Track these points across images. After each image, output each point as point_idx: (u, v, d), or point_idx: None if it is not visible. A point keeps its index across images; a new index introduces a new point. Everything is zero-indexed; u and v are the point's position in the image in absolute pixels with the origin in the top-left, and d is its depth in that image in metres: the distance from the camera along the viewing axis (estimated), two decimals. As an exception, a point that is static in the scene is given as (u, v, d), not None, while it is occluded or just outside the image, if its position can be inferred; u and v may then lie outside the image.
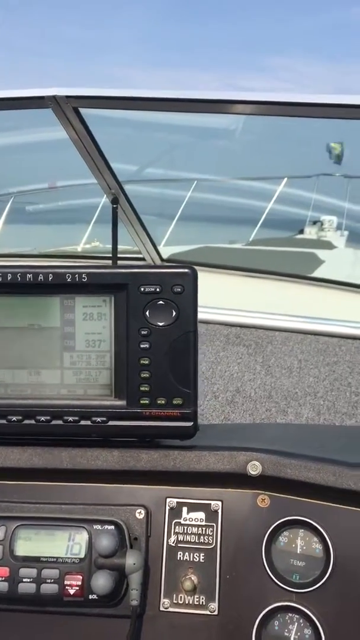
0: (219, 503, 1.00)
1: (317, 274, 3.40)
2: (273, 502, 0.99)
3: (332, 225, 5.22)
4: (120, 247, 2.50)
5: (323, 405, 1.94)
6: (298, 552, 0.98)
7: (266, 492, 1.00)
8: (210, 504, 1.00)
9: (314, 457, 0.99)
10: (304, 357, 2.29)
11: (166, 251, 3.97)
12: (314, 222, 5.19)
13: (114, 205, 2.32)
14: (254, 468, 0.98)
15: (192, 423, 0.95)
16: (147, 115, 2.96)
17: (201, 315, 2.85)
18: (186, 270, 0.94)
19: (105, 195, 2.40)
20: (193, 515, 1.00)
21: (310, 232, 5.10)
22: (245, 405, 1.95)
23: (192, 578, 0.96)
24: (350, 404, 1.95)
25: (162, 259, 2.94)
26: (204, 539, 0.99)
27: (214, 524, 0.99)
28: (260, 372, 2.18)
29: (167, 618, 0.96)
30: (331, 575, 0.94)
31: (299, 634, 0.94)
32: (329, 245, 4.61)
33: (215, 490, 1.01)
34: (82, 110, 2.07)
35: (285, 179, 5.20)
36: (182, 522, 0.99)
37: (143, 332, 0.93)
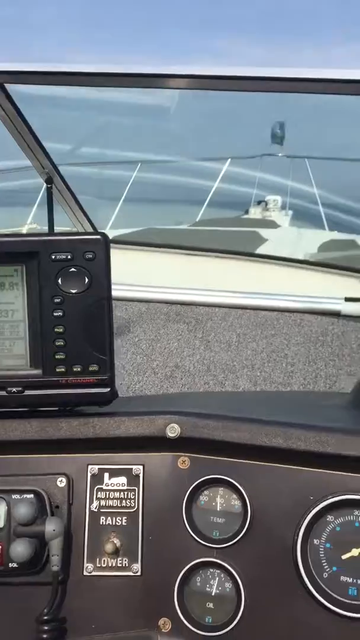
0: (140, 467, 1.01)
1: (259, 252, 3.44)
2: (193, 463, 1.01)
3: (276, 205, 5.28)
4: (60, 229, 2.47)
5: (260, 377, 1.98)
6: (218, 509, 1.00)
7: (186, 454, 1.02)
8: (131, 468, 1.01)
9: (230, 417, 1.01)
10: (242, 332, 2.33)
11: (112, 234, 3.94)
12: (259, 202, 5.24)
13: (48, 185, 2.29)
14: (173, 430, 1.00)
15: (109, 389, 0.96)
16: (82, 92, 2.91)
17: (142, 294, 2.85)
18: (97, 237, 0.94)
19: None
20: (115, 480, 1.01)
21: (255, 212, 5.15)
22: (183, 380, 1.97)
23: (114, 541, 0.98)
24: (285, 374, 2.00)
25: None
26: (126, 503, 1.00)
27: (136, 488, 1.00)
28: (200, 347, 2.20)
29: (91, 582, 0.97)
30: (249, 530, 0.97)
31: (220, 588, 0.97)
32: (273, 225, 4.67)
33: (136, 455, 1.02)
34: (9, 87, 2.02)
35: (229, 160, 5.23)
36: (104, 487, 1.00)
37: (56, 300, 0.93)
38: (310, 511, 0.94)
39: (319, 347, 2.20)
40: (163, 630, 0.96)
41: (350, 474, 0.96)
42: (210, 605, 0.97)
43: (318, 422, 1.04)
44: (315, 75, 2.09)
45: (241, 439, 0.98)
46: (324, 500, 0.95)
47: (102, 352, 0.95)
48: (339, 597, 0.92)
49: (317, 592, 0.91)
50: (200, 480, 1.00)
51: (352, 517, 0.95)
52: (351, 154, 5.31)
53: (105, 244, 0.94)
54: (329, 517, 0.96)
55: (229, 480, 0.99)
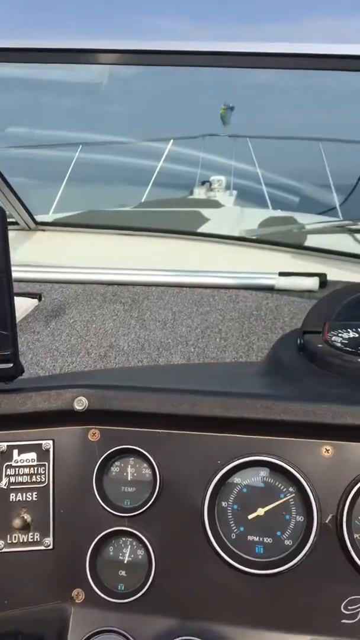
0: (50, 442, 1.01)
1: (201, 231, 3.44)
2: (103, 435, 1.02)
3: (221, 185, 5.29)
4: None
5: (193, 352, 2.00)
6: (129, 479, 1.01)
7: (96, 426, 1.02)
8: (41, 444, 1.01)
9: (137, 387, 1.02)
10: (178, 309, 2.34)
11: (54, 218, 3.87)
12: (203, 183, 5.24)
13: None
14: (80, 403, 1.00)
15: (12, 364, 0.95)
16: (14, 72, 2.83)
17: (78, 276, 2.81)
18: None
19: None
20: (24, 456, 1.00)
21: (199, 193, 5.15)
22: (117, 359, 1.96)
23: (25, 517, 0.97)
24: (219, 349, 2.02)
25: (35, 222, 2.87)
26: (37, 478, 1.00)
27: (46, 463, 1.00)
28: (135, 326, 2.20)
29: (2, 558, 0.97)
30: (158, 497, 0.98)
31: (132, 555, 0.98)
32: (216, 204, 4.68)
33: (45, 430, 1.01)
34: None
35: (172, 140, 5.21)
36: (14, 464, 0.99)
37: None
38: (217, 474, 0.96)
39: (252, 321, 2.23)
40: (77, 601, 0.97)
41: (255, 436, 0.99)
42: (123, 573, 0.98)
43: (228, 389, 1.06)
44: (245, 49, 2.09)
45: (148, 408, 0.99)
46: (230, 463, 0.97)
47: (3, 328, 0.93)
48: (246, 556, 0.95)
49: (224, 552, 0.94)
50: (109, 451, 1.00)
51: (258, 478, 0.98)
52: (293, 133, 5.37)
53: (1, 217, 0.92)
54: (236, 480, 0.98)
55: (138, 450, 1.00)
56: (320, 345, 1.16)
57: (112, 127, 5.65)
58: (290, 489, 0.97)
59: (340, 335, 1.18)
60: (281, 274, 2.50)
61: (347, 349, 1.14)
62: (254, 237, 2.96)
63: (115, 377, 1.37)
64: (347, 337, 1.17)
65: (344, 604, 0.92)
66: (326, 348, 1.15)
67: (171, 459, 0.99)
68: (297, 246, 2.85)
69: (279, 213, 4.21)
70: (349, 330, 1.20)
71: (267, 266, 2.65)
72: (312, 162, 5.14)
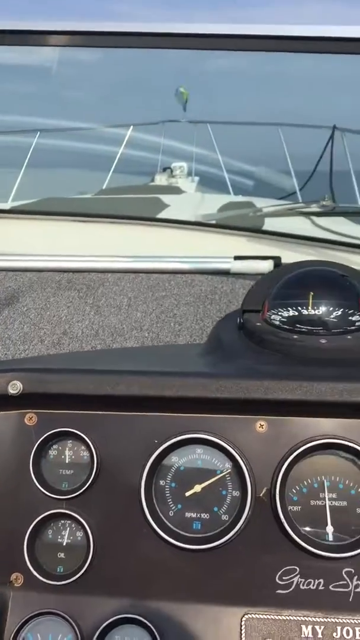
0: None
1: (161, 217, 3.43)
2: (40, 419, 1.01)
3: (183, 172, 5.27)
4: None
5: (147, 338, 1.99)
6: (67, 462, 1.01)
7: (33, 410, 1.01)
8: None
9: (73, 369, 1.02)
10: (134, 295, 2.33)
11: (13, 205, 3.81)
12: (164, 169, 5.21)
13: None
14: (14, 387, 0.99)
15: None
16: None
17: (32, 263, 2.77)
18: None
19: None
20: None
21: (161, 179, 5.12)
22: (71, 346, 1.95)
23: None
24: (173, 333, 2.02)
25: (-11, 210, 2.81)
26: (-28, 464, 0.99)
27: None
28: (90, 312, 2.19)
29: None
30: (96, 479, 0.98)
31: (71, 537, 0.98)
32: (178, 191, 4.66)
33: None
34: None
35: (132, 127, 5.16)
36: None
37: None
38: (154, 454, 0.97)
39: (207, 305, 2.24)
40: (15, 584, 0.97)
41: (191, 414, 0.99)
42: (62, 555, 0.98)
43: (167, 369, 1.06)
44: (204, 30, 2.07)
45: (85, 390, 0.99)
46: (166, 442, 0.97)
47: None
48: (184, 533, 0.96)
49: (162, 530, 0.94)
50: (46, 435, 1.00)
51: (194, 455, 0.99)
52: (253, 118, 5.37)
53: None
54: (174, 458, 0.99)
55: (75, 432, 1.00)
56: (258, 324, 1.17)
57: (71, 113, 5.57)
58: (227, 465, 0.98)
59: (280, 313, 1.20)
60: (236, 257, 2.51)
61: (285, 326, 1.15)
62: (212, 222, 2.96)
63: (57, 361, 1.36)
64: (286, 315, 1.19)
65: (278, 574, 0.94)
66: (264, 326, 1.16)
67: (109, 440, 0.99)
68: (254, 230, 2.86)
69: (239, 198, 4.22)
70: (289, 308, 1.21)
71: (223, 250, 2.65)
72: (272, 148, 5.16)
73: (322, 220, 3.31)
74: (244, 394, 0.96)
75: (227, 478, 0.98)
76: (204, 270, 2.56)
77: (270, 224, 3.12)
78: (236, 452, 0.97)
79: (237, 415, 0.99)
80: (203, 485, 0.98)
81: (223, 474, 0.98)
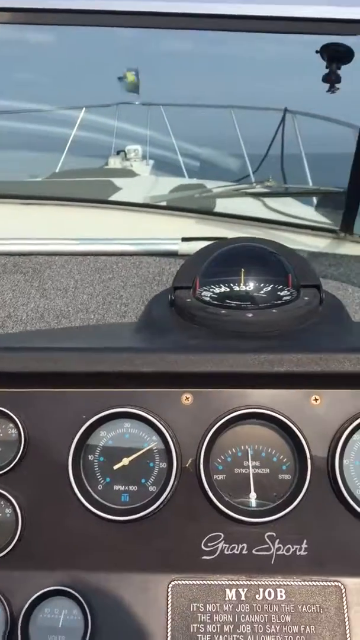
0: None
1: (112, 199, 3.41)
2: (-33, 399, 1.00)
3: (137, 155, 5.24)
4: None
5: (93, 319, 1.99)
6: (-6, 439, 1.00)
7: None
8: None
9: (2, 347, 1.01)
10: (80, 277, 2.32)
11: None
12: (118, 152, 5.17)
13: None
14: None
15: None
16: None
17: (-23, 248, 2.64)
18: None
19: None
20: None
21: (115, 162, 5.08)
22: (15, 329, 1.93)
23: None
24: (119, 315, 2.02)
25: None
26: None
27: None
28: (35, 295, 2.17)
29: None
30: (24, 456, 0.99)
31: (0, 514, 0.98)
32: (132, 174, 4.63)
33: None
34: None
35: (84, 109, 5.08)
36: None
37: None
38: (81, 429, 0.98)
39: (154, 286, 2.24)
40: None
41: (119, 389, 1.00)
42: (-10, 532, 0.98)
43: (96, 346, 1.07)
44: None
45: (12, 368, 0.99)
46: (94, 417, 0.98)
47: None
48: (112, 505, 0.97)
49: (90, 504, 0.96)
50: (-29, 413, 0.99)
51: (122, 429, 1.00)
52: (205, 101, 5.36)
53: None
54: (102, 433, 1.00)
55: (2, 410, 1.00)
56: (188, 300, 1.19)
57: (22, 94, 5.44)
58: (154, 438, 1.00)
59: (211, 290, 1.21)
60: (184, 239, 2.52)
61: (215, 302, 1.17)
62: (162, 204, 2.96)
63: None
64: (217, 292, 1.21)
65: (204, 541, 0.97)
66: (194, 302, 1.18)
67: (38, 418, 1.00)
68: (202, 212, 2.87)
69: (191, 181, 4.22)
70: (220, 285, 1.23)
71: (172, 232, 2.66)
72: (226, 131, 5.16)
73: (273, 202, 3.35)
74: (168, 367, 0.97)
75: (155, 450, 1.00)
76: (151, 251, 2.56)
77: (222, 206, 3.15)
78: (162, 425, 0.98)
79: (163, 389, 1.01)
80: (131, 458, 0.99)
81: (150, 446, 1.00)
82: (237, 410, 0.99)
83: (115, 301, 2.17)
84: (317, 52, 1.59)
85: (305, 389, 1.01)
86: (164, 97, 5.40)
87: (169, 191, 3.59)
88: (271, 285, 1.22)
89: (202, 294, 1.21)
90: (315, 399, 1.00)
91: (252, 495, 0.98)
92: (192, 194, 3.02)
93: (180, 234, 2.64)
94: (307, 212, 3.29)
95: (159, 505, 0.96)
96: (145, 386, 1.01)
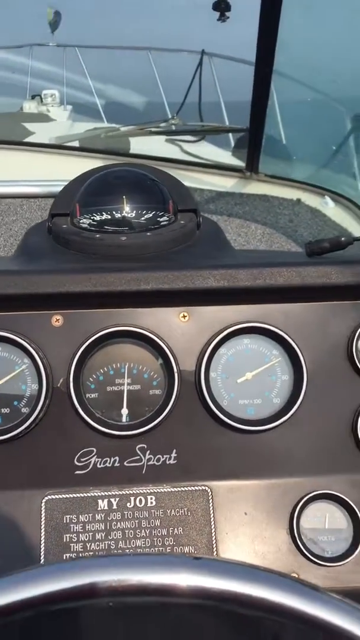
0: None
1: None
2: None
3: (55, 100, 5.03)
4: None
5: (-7, 261, 1.94)
6: None
7: None
8: None
9: None
10: (-18, 220, 2.24)
11: None
12: (33, 97, 4.94)
13: None
14: None
15: None
16: None
17: None
18: None
19: None
20: None
21: (30, 107, 4.86)
22: None
23: None
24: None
25: None
26: None
27: None
28: None
29: None
30: None
31: None
32: (48, 119, 4.46)
33: None
34: None
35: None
36: None
37: None
38: None
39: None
40: None
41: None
42: None
43: None
44: None
45: None
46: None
47: None
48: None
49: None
50: None
51: None
52: (123, 42, 5.17)
53: None
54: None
55: None
56: (65, 226, 1.18)
57: None
58: (25, 360, 1.00)
59: (91, 217, 1.20)
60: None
61: (92, 229, 1.16)
62: (71, 145, 2.87)
63: None
64: (97, 219, 1.20)
65: (77, 457, 0.99)
66: (70, 228, 1.17)
67: None
68: (114, 153, 2.81)
69: (110, 126, 4.10)
70: (103, 213, 1.22)
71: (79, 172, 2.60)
72: (144, 74, 5.02)
73: (190, 146, 3.31)
74: (33, 288, 0.97)
75: (26, 372, 1.00)
76: (56, 194, 2.50)
77: (138, 149, 3.08)
78: (32, 348, 0.98)
79: (33, 312, 1.01)
80: (2, 381, 0.99)
81: (21, 368, 1.00)
82: (106, 329, 1.00)
83: (17, 243, 2.12)
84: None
85: (173, 307, 1.03)
86: (81, 39, 5.17)
87: (82, 133, 3.48)
88: (153, 212, 1.22)
89: (82, 221, 1.19)
90: (184, 316, 1.03)
91: (124, 411, 1.01)
92: (99, 133, 2.94)
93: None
94: (222, 155, 3.29)
95: (30, 425, 0.97)
96: (15, 309, 1.01)
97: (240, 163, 2.99)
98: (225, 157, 3.25)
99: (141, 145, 3.15)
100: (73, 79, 5.20)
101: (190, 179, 2.66)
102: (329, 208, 2.33)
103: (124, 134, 2.89)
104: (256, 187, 2.49)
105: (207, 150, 3.09)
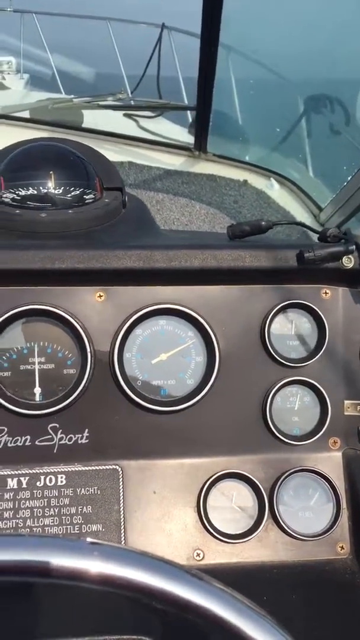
0: None
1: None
2: None
3: (11, 67, 4.88)
4: None
5: None
6: None
7: None
8: None
9: None
10: None
11: None
12: (-13, 65, 4.78)
13: None
14: None
15: None
16: None
17: None
18: None
19: None
20: None
21: (-16, 75, 4.70)
22: None
23: None
24: None
25: None
26: None
27: None
28: None
29: None
30: None
31: None
32: (3, 87, 4.33)
33: None
34: None
35: None
36: None
37: None
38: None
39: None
40: None
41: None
42: None
43: None
44: None
45: None
46: None
47: None
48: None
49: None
50: None
51: None
52: (83, 11, 5.02)
53: None
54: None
55: None
56: None
57: None
58: None
59: (17, 192, 1.17)
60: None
61: (14, 204, 1.14)
62: (22, 116, 2.79)
63: None
64: (22, 194, 1.17)
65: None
66: None
67: None
68: (65, 126, 2.75)
69: (67, 97, 4.00)
70: (29, 188, 1.19)
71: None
72: (106, 46, 4.90)
73: (145, 122, 3.26)
74: None
75: None
76: None
77: (92, 123, 3.02)
78: None
79: None
80: None
81: None
82: (20, 307, 0.98)
83: None
84: None
85: (89, 286, 1.02)
86: (37, 5, 4.98)
87: (35, 103, 3.39)
88: (79, 189, 1.20)
89: (5, 195, 1.16)
90: (100, 296, 1.02)
91: (37, 390, 1.00)
92: (47, 104, 2.86)
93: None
94: (179, 132, 3.25)
95: None
96: None
97: (192, 139, 2.97)
98: (182, 134, 3.22)
99: (96, 118, 3.09)
100: (30, 47, 5.04)
101: (140, 156, 2.63)
102: (274, 190, 2.34)
103: (71, 106, 2.82)
104: (205, 167, 2.48)
105: (163, 127, 3.05)
